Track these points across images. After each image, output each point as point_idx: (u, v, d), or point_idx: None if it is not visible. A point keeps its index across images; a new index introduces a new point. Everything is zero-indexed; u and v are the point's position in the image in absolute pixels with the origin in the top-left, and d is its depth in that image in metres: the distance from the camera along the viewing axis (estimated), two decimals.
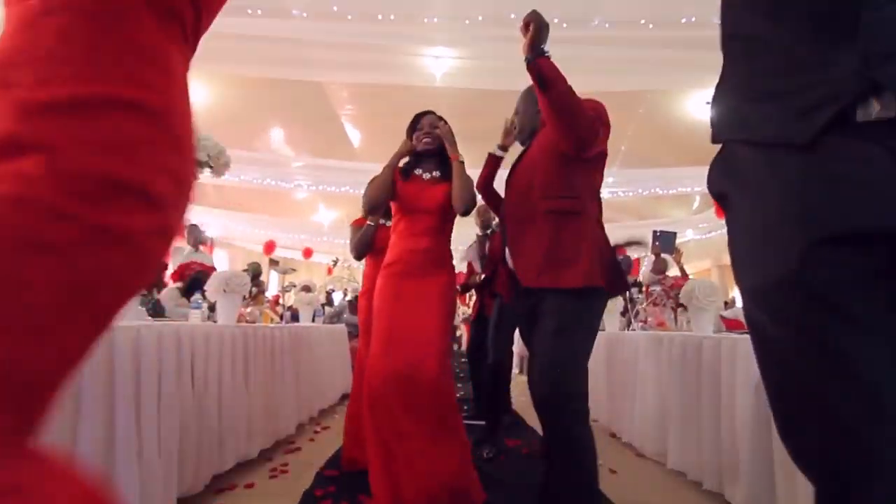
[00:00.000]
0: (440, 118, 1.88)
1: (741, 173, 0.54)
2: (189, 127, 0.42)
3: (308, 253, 9.94)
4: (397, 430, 1.58)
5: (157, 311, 2.87)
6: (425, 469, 1.55)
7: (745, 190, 0.53)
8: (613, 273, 1.37)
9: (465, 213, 1.80)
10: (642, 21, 3.16)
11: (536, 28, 1.24)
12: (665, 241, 3.52)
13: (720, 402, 1.85)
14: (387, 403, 1.58)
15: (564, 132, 1.28)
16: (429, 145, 1.81)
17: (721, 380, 1.86)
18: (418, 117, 1.87)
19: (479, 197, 1.83)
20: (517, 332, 2.76)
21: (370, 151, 6.74)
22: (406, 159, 1.88)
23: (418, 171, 1.85)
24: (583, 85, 1.46)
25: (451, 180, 1.77)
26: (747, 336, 1.92)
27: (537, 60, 1.24)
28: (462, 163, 1.78)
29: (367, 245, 2.29)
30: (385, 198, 1.79)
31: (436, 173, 1.83)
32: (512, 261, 1.42)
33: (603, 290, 1.35)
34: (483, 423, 2.66)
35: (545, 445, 1.35)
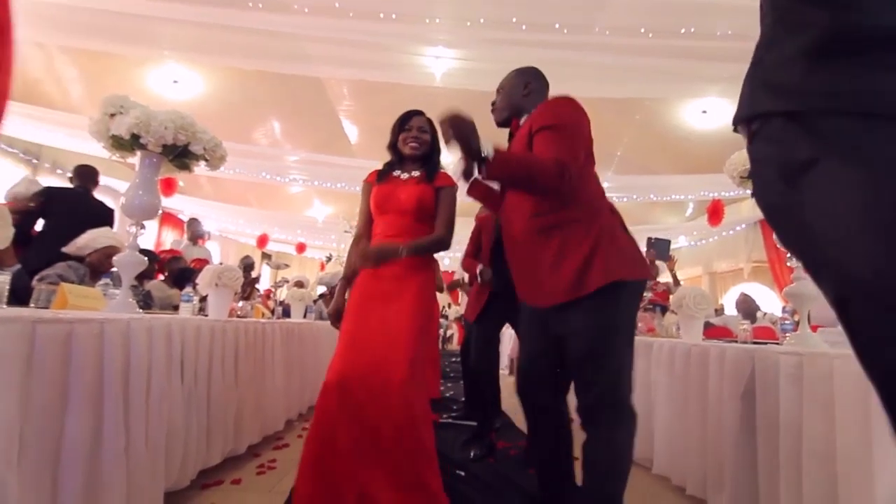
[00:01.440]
0: (431, 123, 1.80)
1: (847, 143, 0.47)
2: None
3: (301, 248, 9.89)
4: (354, 431, 1.47)
5: (147, 303, 2.85)
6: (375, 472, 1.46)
7: (862, 163, 0.45)
8: (633, 259, 1.29)
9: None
10: (642, 30, 3.18)
11: (460, 137, 1.14)
12: (660, 248, 3.55)
13: (706, 409, 1.87)
14: (345, 408, 1.49)
15: (542, 195, 1.26)
16: (415, 150, 1.74)
17: (708, 387, 1.89)
18: (407, 116, 1.78)
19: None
20: (509, 332, 2.77)
21: (367, 148, 6.72)
22: (389, 160, 1.82)
23: (396, 173, 1.79)
24: (580, 91, 1.47)
25: (430, 181, 1.72)
26: (735, 344, 1.93)
27: (485, 171, 1.18)
28: (452, 191, 1.72)
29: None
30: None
31: (415, 173, 1.76)
32: (519, 288, 1.37)
33: (629, 283, 1.25)
34: (473, 423, 2.67)
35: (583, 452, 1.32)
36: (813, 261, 0.52)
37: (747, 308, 4.51)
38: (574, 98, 1.31)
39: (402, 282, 1.64)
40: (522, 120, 1.41)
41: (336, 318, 1.73)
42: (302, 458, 1.53)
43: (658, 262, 3.86)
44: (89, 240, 2.39)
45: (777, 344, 1.97)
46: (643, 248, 3.89)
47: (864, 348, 0.47)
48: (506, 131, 1.52)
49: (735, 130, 0.62)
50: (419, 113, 1.80)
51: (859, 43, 0.46)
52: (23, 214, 2.85)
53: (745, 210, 7.32)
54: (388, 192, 1.73)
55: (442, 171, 1.81)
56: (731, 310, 5.50)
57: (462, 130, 1.14)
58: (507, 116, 1.46)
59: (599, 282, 1.21)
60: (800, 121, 0.50)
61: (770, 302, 6.84)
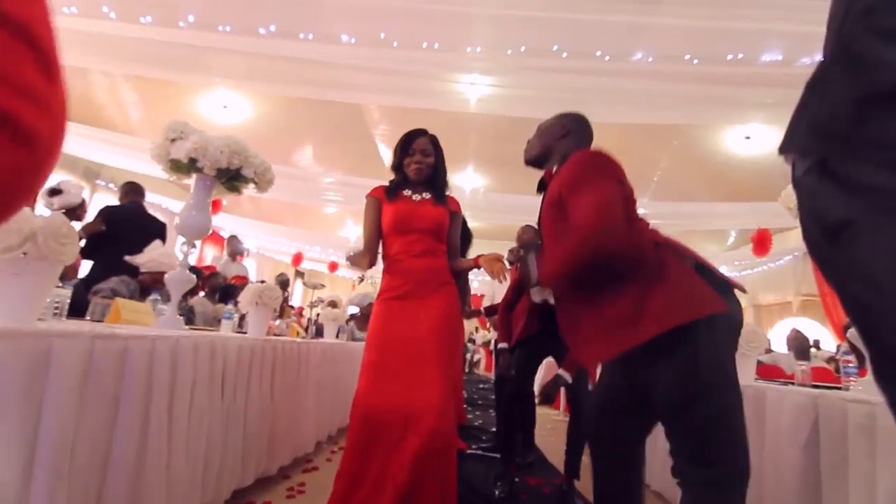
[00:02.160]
0: (433, 142, 1.77)
1: (885, 203, 0.45)
2: (55, 40, 0.31)
3: (334, 267, 10.08)
4: (376, 468, 1.45)
5: (189, 318, 2.95)
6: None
7: None
8: (701, 292, 1.10)
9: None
10: (686, 56, 3.15)
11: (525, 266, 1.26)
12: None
13: (763, 459, 1.73)
14: (378, 441, 1.47)
15: (604, 260, 1.14)
16: (418, 175, 1.73)
17: (765, 434, 1.75)
18: (410, 139, 1.76)
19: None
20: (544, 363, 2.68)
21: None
22: (393, 177, 1.82)
23: (407, 192, 1.76)
24: (618, 117, 1.44)
25: (442, 203, 1.73)
26: (794, 387, 1.80)
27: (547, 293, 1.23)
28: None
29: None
30: (367, 262, 1.78)
31: (426, 195, 1.75)
32: (578, 354, 1.28)
33: (707, 320, 1.08)
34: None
35: None
36: (853, 317, 0.51)
37: (799, 345, 4.24)
38: (599, 150, 1.24)
39: (429, 303, 1.62)
40: (555, 169, 1.33)
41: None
42: (333, 491, 1.53)
43: None
44: (149, 260, 2.51)
45: (839, 388, 1.82)
46: None
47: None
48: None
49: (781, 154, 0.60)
50: (422, 133, 1.76)
51: None
52: (94, 234, 3.05)
53: (793, 240, 6.96)
54: (408, 211, 1.72)
55: (449, 194, 1.83)
56: (777, 346, 5.18)
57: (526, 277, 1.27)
58: (535, 155, 1.39)
59: (651, 332, 1.07)
60: (834, 174, 0.48)
61: (822, 338, 6.41)
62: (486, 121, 5.20)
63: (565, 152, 1.30)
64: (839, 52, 0.49)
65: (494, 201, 6.12)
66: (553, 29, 3.09)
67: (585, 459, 1.66)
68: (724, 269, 9.00)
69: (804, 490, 1.51)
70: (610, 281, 1.15)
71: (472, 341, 12.30)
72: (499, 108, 4.11)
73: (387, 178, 1.88)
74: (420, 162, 1.72)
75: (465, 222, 2.16)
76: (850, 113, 0.46)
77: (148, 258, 2.49)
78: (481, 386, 7.65)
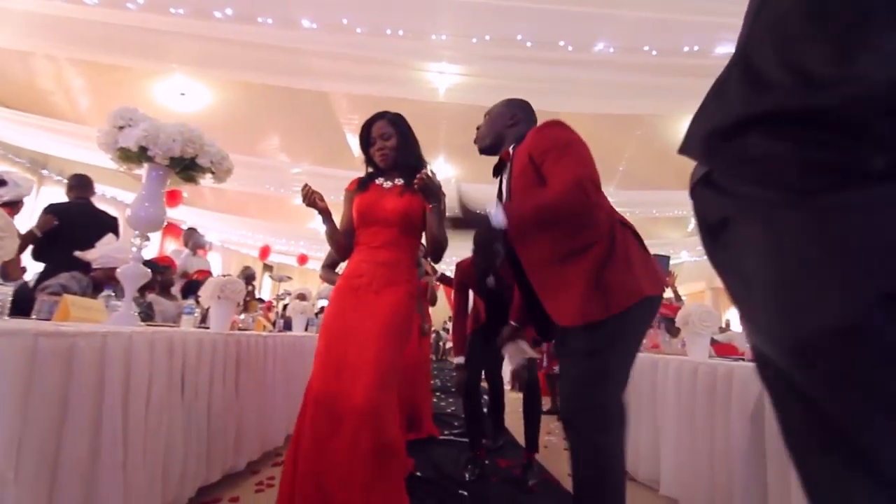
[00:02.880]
0: (392, 122, 1.68)
1: (754, 208, 0.48)
2: None
3: (303, 260, 9.89)
4: (318, 455, 1.45)
5: (148, 314, 2.84)
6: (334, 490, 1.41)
7: (766, 229, 0.46)
8: (644, 278, 1.25)
9: (437, 261, 1.73)
10: (645, 48, 3.22)
11: (468, 220, 1.24)
12: (658, 265, 3.54)
13: (715, 429, 1.84)
14: (311, 429, 1.47)
15: (574, 221, 1.24)
16: (385, 161, 1.66)
17: (716, 406, 1.86)
18: (367, 127, 1.69)
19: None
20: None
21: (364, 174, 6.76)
22: (369, 169, 1.76)
23: (379, 181, 1.70)
24: (583, 107, 1.47)
25: (415, 190, 1.59)
26: (743, 363, 1.92)
27: (503, 242, 1.27)
28: (436, 207, 1.58)
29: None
30: (337, 246, 1.72)
31: (398, 181, 1.68)
32: (548, 307, 1.32)
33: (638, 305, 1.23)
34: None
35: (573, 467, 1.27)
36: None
37: None
38: (562, 122, 1.32)
39: (381, 296, 1.56)
40: (511, 149, 1.39)
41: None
42: (281, 479, 1.54)
43: None
44: (100, 256, 2.39)
45: None
46: None
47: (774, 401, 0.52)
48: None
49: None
50: (379, 117, 1.70)
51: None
52: (46, 233, 2.88)
53: None
54: (371, 201, 1.65)
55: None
56: (737, 326, 5.46)
57: (477, 236, 1.25)
58: (488, 144, 1.46)
59: (601, 314, 1.21)
60: (714, 184, 0.52)
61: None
62: (457, 110, 5.18)
63: (517, 137, 1.38)
64: (740, 59, 0.50)
65: (466, 191, 6.13)
66: (517, 18, 3.10)
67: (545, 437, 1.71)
68: (684, 254, 9.41)
69: (751, 457, 1.61)
70: (572, 245, 1.25)
71: (446, 330, 12.39)
72: (468, 98, 4.10)
73: (356, 168, 1.84)
74: (382, 147, 1.65)
75: None
76: (733, 130, 0.47)
77: (100, 253, 2.38)
78: (454, 374, 7.74)
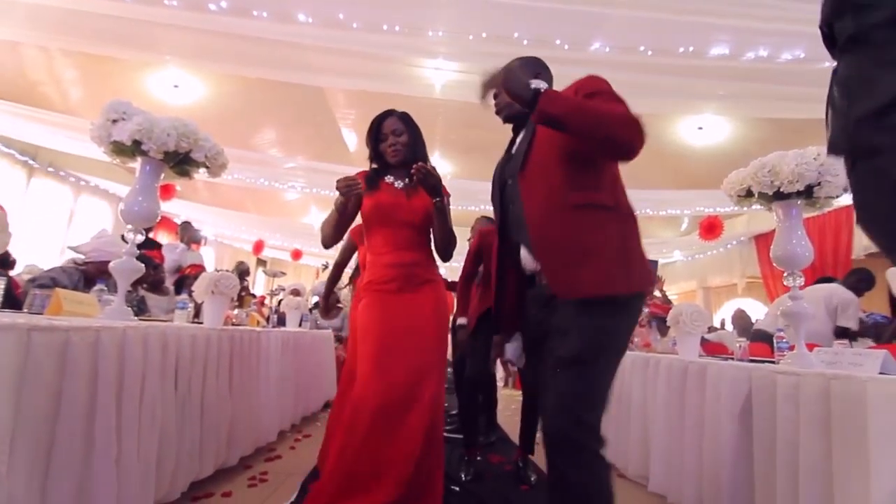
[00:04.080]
0: (403, 119, 1.69)
1: None
2: None
3: (297, 255, 9.85)
4: (379, 455, 1.45)
5: (141, 308, 2.82)
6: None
7: None
8: (649, 270, 1.19)
9: (446, 259, 1.70)
10: (641, 48, 3.24)
11: (509, 79, 1.07)
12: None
13: (703, 427, 1.87)
14: (375, 429, 1.45)
15: (611, 148, 1.08)
16: (397, 156, 1.65)
17: (705, 404, 1.89)
18: (378, 122, 1.67)
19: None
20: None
21: (366, 156, 6.74)
22: (374, 166, 1.73)
23: (389, 179, 1.68)
24: None
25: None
26: (732, 362, 1.94)
27: (538, 108, 1.03)
28: (440, 203, 1.57)
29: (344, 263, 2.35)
30: (336, 235, 1.72)
31: (409, 180, 1.65)
32: (543, 266, 1.15)
33: (635, 298, 1.13)
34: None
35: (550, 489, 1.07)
36: None
37: (743, 324, 4.53)
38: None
39: (419, 296, 1.60)
40: (524, 128, 1.26)
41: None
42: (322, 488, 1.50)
43: None
44: (92, 249, 2.37)
45: (773, 362, 1.98)
46: None
47: None
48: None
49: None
50: (389, 113, 1.69)
51: None
52: None
53: (740, 226, 7.38)
54: (392, 202, 1.62)
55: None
56: (728, 325, 5.53)
57: (508, 75, 1.07)
58: (516, 113, 1.26)
59: (624, 288, 1.08)
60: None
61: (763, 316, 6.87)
62: (453, 106, 5.16)
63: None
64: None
65: (461, 188, 6.15)
66: (514, 16, 3.09)
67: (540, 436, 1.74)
68: (677, 254, 9.46)
69: (739, 454, 1.64)
70: (601, 219, 1.12)
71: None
72: (464, 94, 4.09)
73: (351, 163, 1.83)
74: (395, 143, 1.64)
75: None
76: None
77: (93, 246, 2.36)
78: (448, 370, 7.76)
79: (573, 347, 1.06)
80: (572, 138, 1.09)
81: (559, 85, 1.24)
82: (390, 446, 1.45)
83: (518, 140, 1.30)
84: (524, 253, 1.21)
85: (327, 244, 1.77)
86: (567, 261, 1.11)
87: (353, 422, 1.49)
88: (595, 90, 1.13)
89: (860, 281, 3.39)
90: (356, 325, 1.73)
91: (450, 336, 2.30)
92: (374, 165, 1.74)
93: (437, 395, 1.51)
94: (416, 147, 1.69)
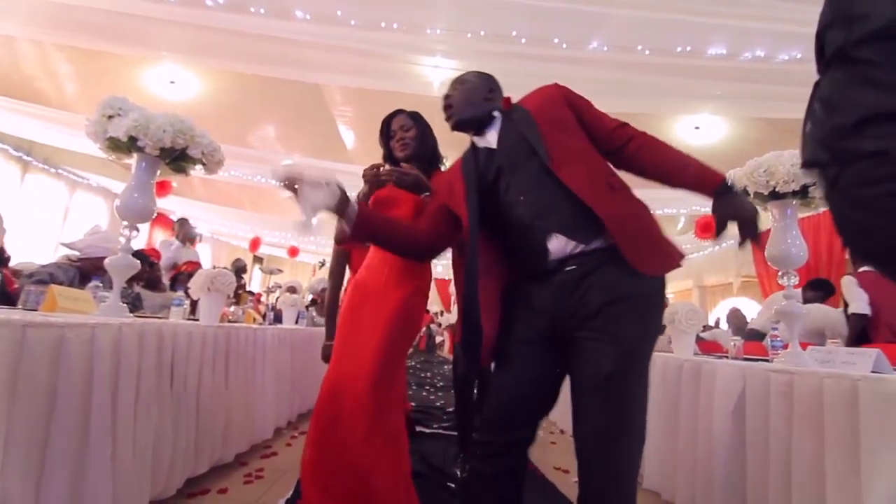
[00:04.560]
0: (412, 116, 1.72)
1: None
2: None
3: (294, 252, 9.83)
4: (328, 444, 1.48)
5: (136, 305, 2.81)
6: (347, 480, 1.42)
7: None
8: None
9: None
10: (639, 47, 3.24)
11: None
12: None
13: (697, 424, 1.88)
14: (320, 419, 1.51)
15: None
16: (405, 152, 1.66)
17: (699, 402, 1.90)
18: (387, 122, 1.71)
19: None
20: None
21: (363, 153, 6.72)
22: (384, 165, 1.74)
23: None
24: None
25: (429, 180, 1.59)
26: (727, 360, 1.96)
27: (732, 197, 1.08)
28: (427, 199, 1.56)
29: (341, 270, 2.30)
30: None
31: None
32: (622, 241, 1.06)
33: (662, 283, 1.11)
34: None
35: None
36: None
37: (738, 323, 4.56)
38: None
39: (391, 293, 1.58)
40: (493, 124, 1.25)
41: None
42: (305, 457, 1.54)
43: None
44: (86, 245, 2.36)
45: (766, 360, 1.99)
46: None
47: None
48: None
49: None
50: (397, 113, 1.72)
51: None
52: None
53: (736, 225, 7.41)
54: (386, 198, 1.64)
55: (441, 169, 1.72)
56: (723, 324, 5.55)
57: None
58: (469, 116, 1.26)
59: (676, 262, 1.09)
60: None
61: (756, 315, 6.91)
62: None
63: (488, 114, 1.26)
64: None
65: None
66: (512, 14, 3.09)
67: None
68: None
69: (732, 451, 1.66)
70: (613, 179, 1.16)
71: (439, 324, 12.43)
72: None
73: (348, 160, 1.83)
74: (402, 138, 1.65)
75: None
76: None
77: (87, 243, 2.35)
78: (445, 368, 7.78)
79: (623, 343, 1.00)
80: (590, 128, 1.18)
81: (549, 84, 1.26)
82: (333, 422, 1.47)
83: (495, 133, 1.24)
84: (555, 239, 1.10)
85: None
86: (640, 235, 1.09)
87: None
88: (579, 98, 1.22)
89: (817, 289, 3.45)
90: None
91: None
92: (387, 165, 1.75)
93: (369, 394, 1.45)
94: (424, 142, 1.70)
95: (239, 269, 5.36)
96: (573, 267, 1.09)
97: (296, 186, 1.11)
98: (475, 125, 1.27)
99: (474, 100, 1.28)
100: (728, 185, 1.08)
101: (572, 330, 1.06)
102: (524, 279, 1.18)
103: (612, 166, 1.19)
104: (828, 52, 0.53)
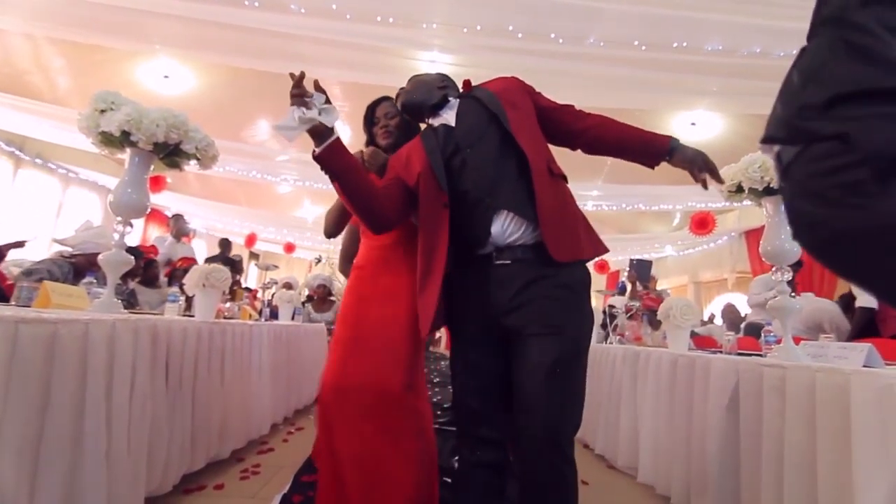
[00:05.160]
0: (395, 104, 1.66)
1: None
2: None
3: (290, 248, 9.80)
4: (355, 444, 1.40)
5: (131, 302, 2.80)
6: (383, 485, 1.38)
7: None
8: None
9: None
10: (635, 42, 3.23)
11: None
12: (641, 269, 3.60)
13: (692, 419, 1.90)
14: (344, 418, 1.41)
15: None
16: (387, 138, 1.61)
17: (693, 397, 1.91)
18: (371, 109, 1.68)
19: None
20: None
21: (359, 147, 6.69)
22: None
23: None
24: (572, 99, 1.46)
25: None
26: (721, 355, 1.97)
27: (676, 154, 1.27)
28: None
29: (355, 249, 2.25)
30: (336, 229, 1.71)
31: None
32: (546, 231, 1.11)
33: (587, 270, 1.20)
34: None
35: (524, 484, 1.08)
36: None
37: (733, 318, 4.59)
38: None
39: (397, 280, 1.52)
40: (449, 107, 1.31)
41: None
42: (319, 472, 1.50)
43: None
44: (81, 241, 2.34)
45: (760, 355, 2.01)
46: (620, 271, 3.93)
47: None
48: None
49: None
50: (383, 100, 1.68)
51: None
52: None
53: (731, 221, 7.45)
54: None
55: None
56: (718, 319, 5.59)
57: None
58: (420, 99, 1.33)
59: (591, 253, 1.17)
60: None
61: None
62: None
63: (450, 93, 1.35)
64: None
65: None
66: (509, 9, 3.08)
67: None
68: (668, 249, 9.52)
69: (726, 445, 1.67)
70: (554, 168, 1.22)
71: None
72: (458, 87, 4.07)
73: None
74: (386, 125, 1.61)
75: None
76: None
77: (80, 239, 2.33)
78: (443, 364, 7.78)
79: (560, 342, 1.06)
80: (552, 114, 1.31)
81: (554, 83, 1.30)
82: (362, 428, 1.41)
83: (452, 113, 1.29)
84: (498, 224, 1.13)
85: (328, 234, 1.74)
86: (565, 226, 1.15)
87: (321, 416, 1.48)
88: (531, 88, 1.33)
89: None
90: None
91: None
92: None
93: (406, 389, 1.42)
94: (407, 132, 1.63)
95: (234, 264, 5.34)
96: (507, 262, 1.14)
97: (305, 96, 1.14)
98: (427, 109, 1.32)
99: (426, 87, 1.35)
100: (677, 141, 1.26)
101: (511, 323, 1.12)
102: (462, 272, 1.21)
103: (571, 147, 1.32)
104: (824, 12, 0.47)
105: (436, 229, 1.20)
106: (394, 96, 1.55)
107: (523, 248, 1.13)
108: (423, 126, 1.43)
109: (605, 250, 1.22)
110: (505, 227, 1.14)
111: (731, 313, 4.77)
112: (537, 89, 1.37)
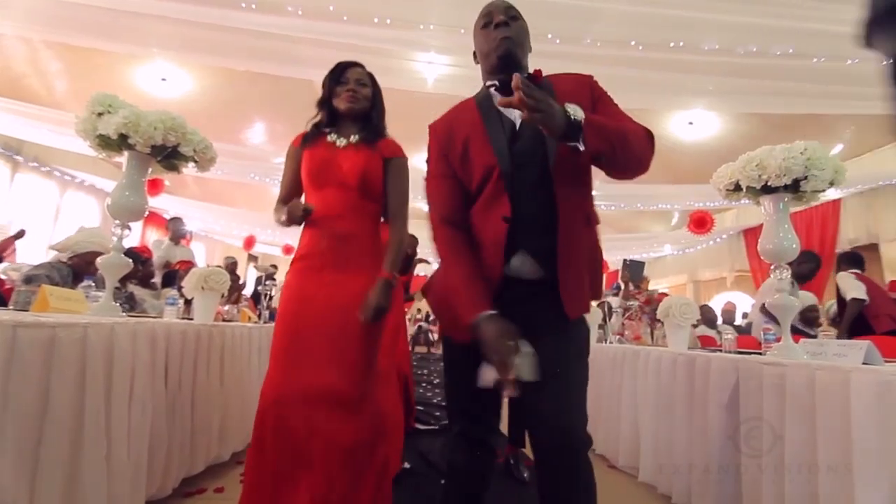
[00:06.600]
0: (372, 77, 1.52)
1: None
2: None
3: (288, 250, 9.79)
4: (297, 462, 1.26)
5: (130, 305, 2.79)
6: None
7: None
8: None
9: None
10: (632, 42, 3.24)
11: (536, 98, 0.86)
12: (634, 270, 3.61)
13: (692, 418, 1.90)
14: (286, 432, 1.26)
15: (633, 166, 1.01)
16: (352, 104, 1.42)
17: (693, 396, 1.91)
18: (343, 68, 1.47)
19: None
20: None
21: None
22: (317, 118, 1.49)
23: (332, 137, 1.44)
24: None
25: (373, 145, 1.42)
26: (720, 354, 1.97)
27: (588, 143, 0.90)
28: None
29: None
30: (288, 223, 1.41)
31: (354, 138, 1.43)
32: (563, 283, 1.03)
33: None
34: None
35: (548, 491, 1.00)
36: None
37: (732, 317, 4.61)
38: None
39: (351, 277, 1.35)
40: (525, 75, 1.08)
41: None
42: (243, 487, 1.32)
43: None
44: (74, 243, 2.34)
45: (759, 353, 2.01)
46: (619, 270, 3.94)
47: None
48: None
49: None
50: (357, 64, 1.50)
51: None
52: None
53: (729, 220, 7.46)
54: (325, 160, 1.40)
55: (389, 137, 1.49)
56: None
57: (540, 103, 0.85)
58: (520, 62, 1.10)
59: (587, 308, 1.10)
60: None
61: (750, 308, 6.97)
62: (445, 101, 5.14)
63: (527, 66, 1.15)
64: None
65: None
66: None
67: None
68: (667, 248, 9.53)
69: (726, 444, 1.67)
70: (591, 209, 1.09)
71: (433, 322, 12.42)
72: (457, 89, 4.07)
73: None
74: (354, 91, 1.42)
75: None
76: None
77: (74, 240, 2.33)
78: (441, 365, 7.78)
79: (562, 355, 1.02)
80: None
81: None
82: (304, 447, 1.28)
83: (514, 114, 1.06)
84: (517, 260, 1.04)
85: (286, 226, 1.46)
86: (580, 277, 1.05)
87: (256, 422, 1.32)
88: (603, 92, 1.10)
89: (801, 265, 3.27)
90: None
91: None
92: (318, 119, 1.51)
93: (359, 400, 1.30)
94: (374, 106, 1.50)
95: (232, 267, 5.32)
96: (519, 290, 1.05)
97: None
98: (513, 70, 1.04)
99: (525, 47, 1.13)
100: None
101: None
102: None
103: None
104: None
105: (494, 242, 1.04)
106: (393, 96, 1.50)
107: (538, 286, 1.05)
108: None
109: (596, 300, 1.16)
110: (522, 264, 1.05)
111: (730, 312, 4.79)
112: None
